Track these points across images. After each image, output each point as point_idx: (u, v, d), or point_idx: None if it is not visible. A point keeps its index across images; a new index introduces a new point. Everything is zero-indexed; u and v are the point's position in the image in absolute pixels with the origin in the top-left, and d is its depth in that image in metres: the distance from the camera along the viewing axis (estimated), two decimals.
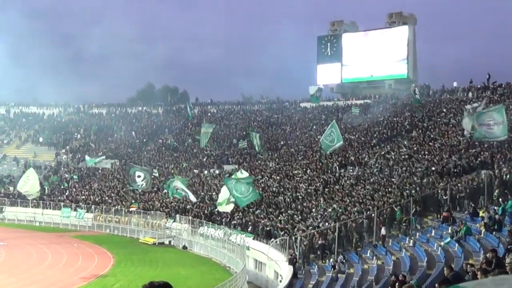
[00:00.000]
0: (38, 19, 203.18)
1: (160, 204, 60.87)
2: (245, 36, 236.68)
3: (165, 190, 57.33)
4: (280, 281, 36.14)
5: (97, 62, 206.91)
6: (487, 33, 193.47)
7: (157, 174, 69.45)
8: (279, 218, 45.62)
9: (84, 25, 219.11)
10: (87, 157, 73.78)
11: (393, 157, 50.69)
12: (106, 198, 67.39)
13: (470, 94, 60.79)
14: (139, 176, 61.32)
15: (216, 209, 50.72)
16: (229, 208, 47.61)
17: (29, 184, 63.50)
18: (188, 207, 57.12)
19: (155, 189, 66.31)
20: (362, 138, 59.93)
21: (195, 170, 67.86)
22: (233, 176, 45.53)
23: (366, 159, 53.36)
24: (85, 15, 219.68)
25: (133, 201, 63.26)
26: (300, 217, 44.26)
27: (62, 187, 73.63)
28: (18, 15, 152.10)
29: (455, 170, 41.99)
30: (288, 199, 49.35)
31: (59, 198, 70.03)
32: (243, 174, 48.10)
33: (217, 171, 66.32)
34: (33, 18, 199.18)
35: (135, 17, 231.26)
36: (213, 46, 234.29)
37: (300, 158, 60.48)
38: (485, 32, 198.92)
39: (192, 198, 52.85)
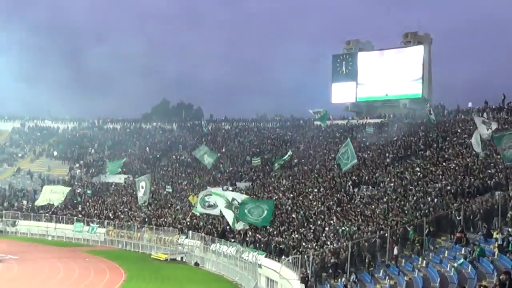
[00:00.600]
0: (54, 35, 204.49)
1: (172, 220, 60.94)
2: (260, 53, 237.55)
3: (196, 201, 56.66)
4: None
5: (113, 79, 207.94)
6: (503, 53, 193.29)
7: (170, 190, 69.66)
8: (292, 236, 45.57)
9: (101, 41, 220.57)
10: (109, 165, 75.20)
11: (407, 176, 50.56)
12: (119, 213, 67.56)
13: (485, 115, 60.51)
14: (142, 187, 61.51)
15: (228, 227, 50.61)
16: (240, 226, 47.46)
17: (58, 197, 65.27)
18: (200, 223, 57.22)
19: (168, 204, 66.53)
20: (376, 157, 59.81)
21: (208, 187, 67.86)
22: (236, 200, 44.89)
23: (380, 178, 53.25)
24: (101, 32, 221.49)
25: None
26: (312, 236, 44.19)
27: (75, 201, 73.82)
28: (33, 31, 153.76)
29: (469, 191, 41.82)
30: (301, 217, 49.29)
31: (72, 212, 70.19)
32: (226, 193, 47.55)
33: (230, 188, 66.28)
34: (50, 34, 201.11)
35: (151, 33, 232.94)
36: (227, 64, 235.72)
37: (313, 176, 60.41)
38: (500, 52, 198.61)
39: (216, 211, 52.19)
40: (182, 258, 55.47)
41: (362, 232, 40.81)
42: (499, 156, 45.55)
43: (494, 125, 46.26)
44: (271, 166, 68.83)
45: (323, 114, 74.87)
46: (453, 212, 37.98)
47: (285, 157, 66.80)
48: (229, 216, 44.43)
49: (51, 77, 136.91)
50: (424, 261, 33.85)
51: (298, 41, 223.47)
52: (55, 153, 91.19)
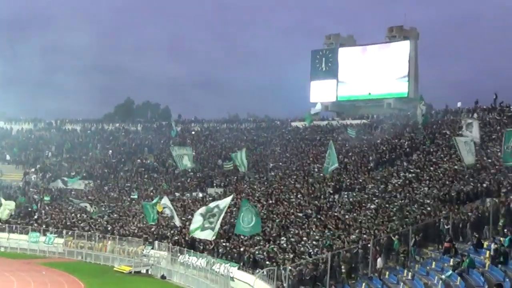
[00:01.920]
0: (14, 28, 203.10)
1: (137, 230, 60.67)
2: (231, 48, 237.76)
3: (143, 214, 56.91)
4: None
5: (71, 75, 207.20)
6: (494, 49, 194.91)
7: (136, 196, 69.37)
8: (267, 246, 45.55)
9: (59, 35, 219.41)
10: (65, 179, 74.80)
11: (391, 182, 50.78)
12: (79, 222, 67.11)
13: (475, 115, 60.96)
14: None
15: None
16: (204, 235, 47.27)
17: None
18: (168, 233, 57.02)
19: (132, 212, 66.21)
20: (359, 161, 59.99)
21: (176, 193, 67.73)
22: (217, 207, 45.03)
23: (362, 184, 53.40)
24: (61, 25, 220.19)
25: None
26: (289, 246, 44.20)
27: (30, 209, 73.18)
28: None
29: (459, 197, 42.06)
30: (277, 226, 49.27)
31: (27, 221, 69.61)
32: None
33: (200, 195, 66.18)
34: (7, 27, 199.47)
35: (114, 29, 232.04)
36: (196, 60, 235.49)
37: (290, 181, 60.46)
38: (492, 49, 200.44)
39: (177, 221, 52.98)
40: (147, 270, 55.14)
41: (342, 242, 40.91)
42: (490, 160, 46.02)
43: (475, 124, 45.58)
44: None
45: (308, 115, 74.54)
46: (441, 220, 38.20)
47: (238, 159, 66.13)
48: (196, 222, 44.39)
49: (6, 73, 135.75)
50: (410, 273, 33.99)
51: (273, 35, 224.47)
52: (8, 156, 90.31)
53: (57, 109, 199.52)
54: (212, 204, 43.86)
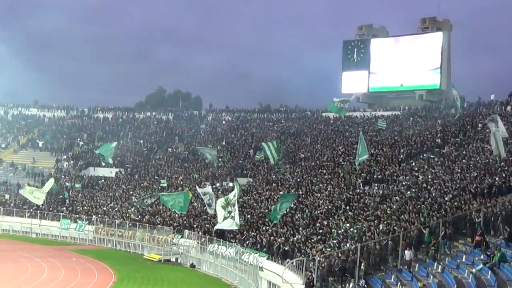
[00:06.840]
0: (40, 18, 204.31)
1: (168, 218, 60.82)
2: (263, 39, 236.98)
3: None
4: None
5: (104, 64, 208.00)
6: None
7: (165, 185, 69.59)
8: (296, 237, 45.51)
9: (92, 25, 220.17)
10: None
11: (422, 174, 50.43)
12: (109, 209, 67.50)
13: (508, 108, 60.41)
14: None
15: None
16: (227, 224, 47.95)
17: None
18: (198, 222, 57.14)
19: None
20: (389, 153, 59.64)
21: (206, 182, 67.79)
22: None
23: (393, 176, 53.10)
24: (93, 15, 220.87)
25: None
26: (319, 237, 44.12)
27: (61, 196, 73.75)
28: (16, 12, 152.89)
29: (490, 190, 41.67)
30: (307, 217, 49.21)
31: (58, 208, 70.16)
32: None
33: (230, 184, 66.23)
34: (36, 17, 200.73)
35: (146, 18, 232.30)
36: (229, 50, 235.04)
37: (321, 172, 60.29)
38: None
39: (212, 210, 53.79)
40: (177, 259, 55.49)
41: (372, 233, 40.72)
42: None
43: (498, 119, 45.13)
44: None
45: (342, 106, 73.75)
46: (472, 213, 37.86)
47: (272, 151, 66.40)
48: (220, 215, 46.04)
49: (35, 61, 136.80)
50: (440, 266, 33.79)
51: (305, 26, 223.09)
52: (41, 143, 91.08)
53: (89, 97, 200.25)
54: (230, 195, 45.14)
